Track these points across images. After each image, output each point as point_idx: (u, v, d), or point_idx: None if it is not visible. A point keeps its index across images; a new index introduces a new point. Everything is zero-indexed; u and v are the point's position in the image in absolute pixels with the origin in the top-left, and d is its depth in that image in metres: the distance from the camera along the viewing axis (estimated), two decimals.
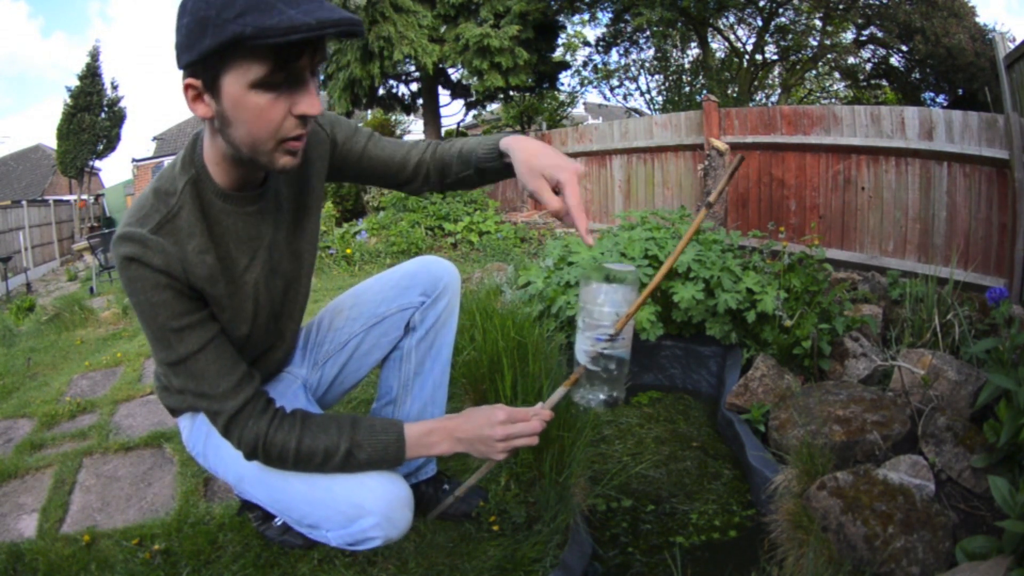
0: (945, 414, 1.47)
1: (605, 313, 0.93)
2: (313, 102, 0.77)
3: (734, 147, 4.33)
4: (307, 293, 1.10)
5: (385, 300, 1.18)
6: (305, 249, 1.04)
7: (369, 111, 12.15)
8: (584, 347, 0.95)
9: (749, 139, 4.26)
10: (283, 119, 0.76)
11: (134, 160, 17.13)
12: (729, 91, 9.65)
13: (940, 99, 10.15)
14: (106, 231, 10.34)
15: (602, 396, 0.98)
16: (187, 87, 0.76)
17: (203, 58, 0.72)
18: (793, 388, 1.78)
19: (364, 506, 0.91)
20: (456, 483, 1.33)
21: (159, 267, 0.81)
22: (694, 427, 1.90)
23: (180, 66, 0.76)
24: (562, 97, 12.61)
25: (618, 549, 1.33)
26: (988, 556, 1.02)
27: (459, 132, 10.26)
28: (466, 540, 1.25)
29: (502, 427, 0.93)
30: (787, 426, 1.59)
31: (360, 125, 1.07)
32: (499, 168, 0.99)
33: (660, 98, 11.28)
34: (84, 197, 15.65)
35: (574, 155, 6.12)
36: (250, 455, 0.89)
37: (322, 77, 7.27)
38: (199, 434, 1.06)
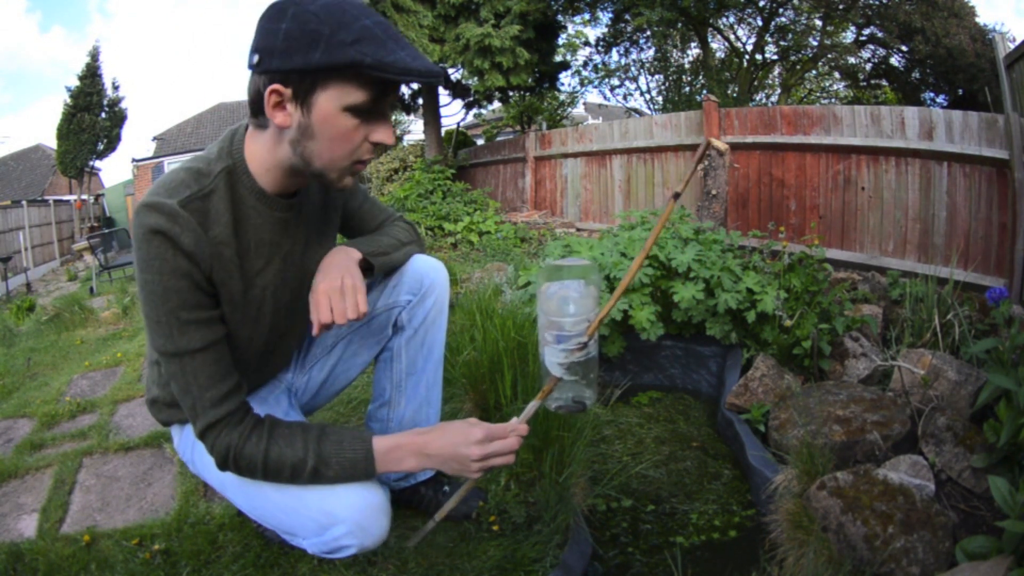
0: (945, 414, 1.47)
1: (576, 322, 0.89)
2: (389, 133, 0.83)
3: (734, 147, 4.33)
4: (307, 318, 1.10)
5: (371, 300, 1.16)
6: (312, 272, 1.03)
7: None
8: (556, 359, 0.91)
9: (749, 139, 4.26)
10: (361, 143, 0.82)
11: (134, 160, 17.08)
12: (729, 91, 9.65)
13: (940, 99, 10.17)
14: (106, 231, 10.34)
15: (573, 397, 0.94)
16: (272, 92, 0.77)
17: (306, 71, 0.74)
18: (793, 388, 1.78)
19: (335, 514, 0.89)
20: (456, 484, 1.33)
21: (186, 248, 0.79)
22: (694, 427, 1.90)
23: (266, 69, 0.76)
24: (562, 97, 12.62)
25: (618, 549, 1.33)
26: (988, 556, 1.02)
27: (459, 132, 10.25)
28: (466, 540, 1.25)
29: (479, 447, 0.90)
30: (787, 426, 1.59)
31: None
32: None
33: (660, 98, 11.30)
34: (83, 197, 15.64)
35: (574, 155, 6.13)
36: (222, 465, 0.88)
37: None
38: (187, 442, 1.06)
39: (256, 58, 0.77)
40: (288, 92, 0.77)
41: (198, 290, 0.83)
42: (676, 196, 0.92)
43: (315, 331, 0.91)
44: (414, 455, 0.92)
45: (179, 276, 0.80)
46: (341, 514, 0.89)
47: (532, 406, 0.96)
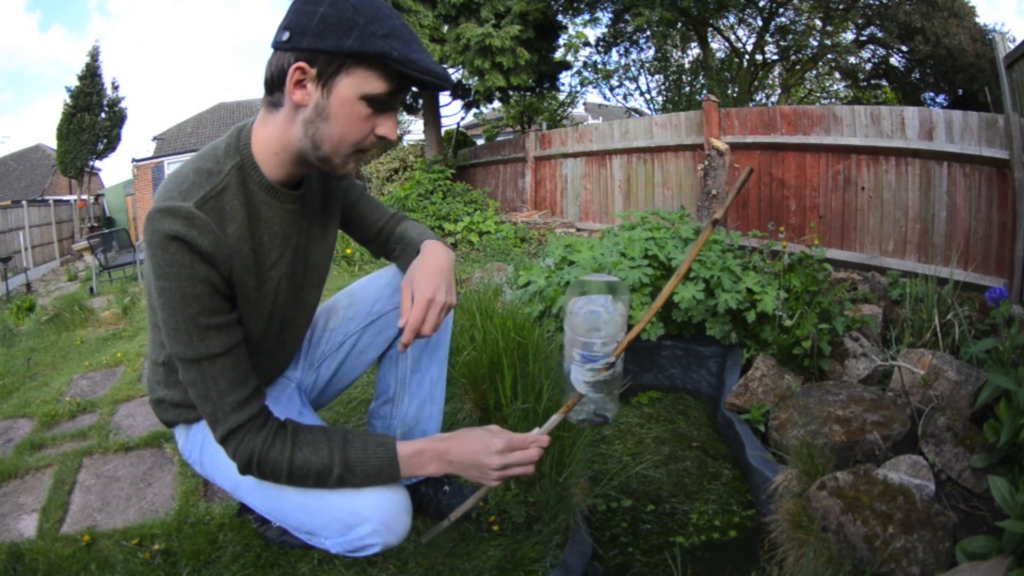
0: (945, 414, 1.47)
1: (604, 343, 0.88)
2: (394, 128, 0.86)
3: (734, 147, 4.33)
4: (314, 306, 1.11)
5: (380, 299, 1.18)
6: (318, 262, 1.05)
7: None
8: (582, 378, 0.91)
9: (749, 139, 4.26)
10: (368, 134, 0.84)
11: (134, 160, 17.04)
12: (729, 91, 9.65)
13: (940, 99, 10.17)
14: (106, 231, 10.33)
15: (596, 411, 0.94)
16: (296, 69, 0.79)
17: (336, 53, 0.78)
18: (793, 388, 1.78)
19: (361, 513, 0.90)
20: (456, 484, 1.33)
21: (205, 251, 0.79)
22: (694, 427, 1.90)
23: (295, 47, 0.79)
24: (562, 97, 12.62)
25: (618, 549, 1.33)
26: (988, 556, 1.02)
27: (459, 132, 10.25)
28: (466, 540, 1.25)
29: (499, 456, 0.90)
30: (787, 426, 1.59)
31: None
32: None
33: (660, 98, 11.30)
34: (84, 197, 15.64)
35: (574, 155, 6.13)
36: (244, 470, 0.88)
37: None
38: (194, 442, 1.06)
39: (287, 35, 0.79)
40: (313, 72, 0.79)
41: (217, 294, 0.83)
42: (715, 222, 0.91)
43: (405, 338, 0.93)
44: (436, 461, 0.92)
45: (198, 282, 0.80)
46: (367, 513, 0.90)
47: (554, 419, 0.97)
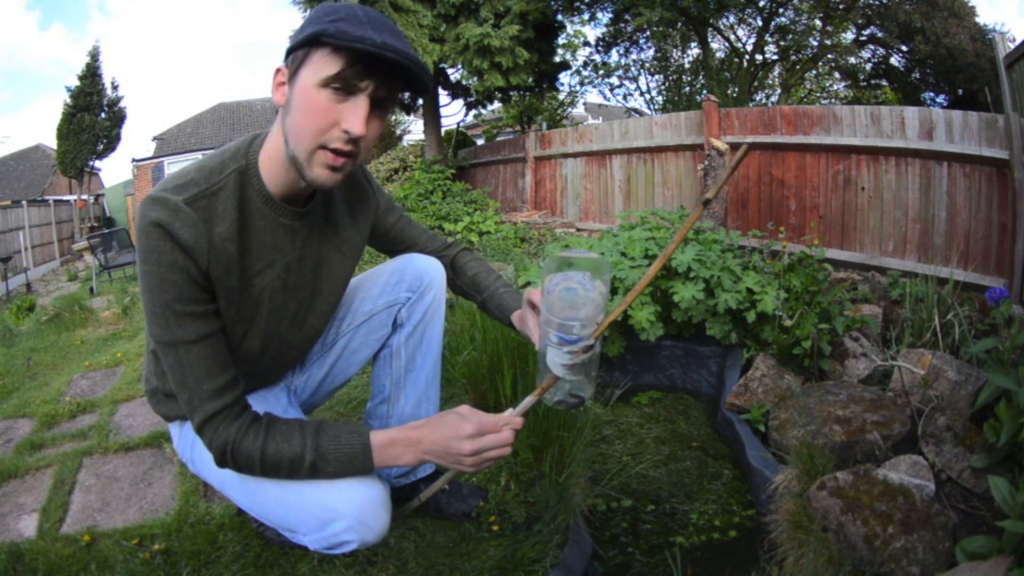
0: (945, 414, 1.47)
1: (583, 325, 0.85)
2: (358, 121, 0.81)
3: (734, 147, 4.32)
4: (320, 333, 1.11)
5: (371, 298, 1.18)
6: (328, 290, 1.05)
7: None
8: (560, 360, 0.87)
9: (749, 139, 4.26)
10: (330, 126, 0.82)
11: (134, 160, 17.05)
12: (729, 91, 9.65)
13: (940, 99, 10.16)
14: (106, 231, 10.33)
15: (571, 391, 0.91)
16: (276, 72, 0.85)
17: (295, 47, 0.82)
18: (793, 388, 1.78)
19: (335, 509, 0.89)
20: (455, 484, 1.33)
21: (184, 242, 0.81)
22: (694, 427, 1.90)
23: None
24: (562, 97, 12.63)
25: (618, 549, 1.33)
26: (988, 556, 1.02)
27: (459, 132, 10.25)
28: (466, 540, 1.25)
29: (471, 441, 0.88)
30: (787, 426, 1.59)
31: (393, 200, 1.17)
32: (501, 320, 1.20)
33: (660, 98, 11.30)
34: (84, 197, 15.63)
35: (574, 155, 6.13)
36: (220, 461, 0.88)
37: None
38: (186, 440, 1.06)
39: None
40: (287, 73, 0.84)
41: (194, 284, 0.84)
42: (706, 203, 0.89)
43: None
44: (410, 450, 0.91)
45: (175, 269, 0.82)
46: (341, 509, 0.89)
47: (528, 401, 0.94)
